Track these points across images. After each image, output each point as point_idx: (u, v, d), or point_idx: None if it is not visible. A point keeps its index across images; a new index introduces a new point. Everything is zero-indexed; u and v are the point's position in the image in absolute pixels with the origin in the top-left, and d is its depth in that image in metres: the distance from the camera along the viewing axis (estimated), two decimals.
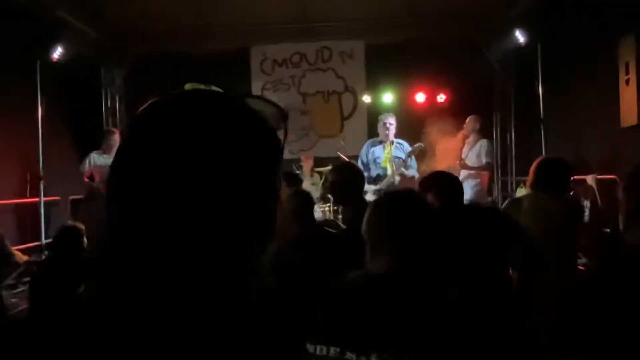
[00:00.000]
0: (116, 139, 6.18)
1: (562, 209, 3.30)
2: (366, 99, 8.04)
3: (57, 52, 5.72)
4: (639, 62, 4.02)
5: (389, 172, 5.73)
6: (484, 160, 6.06)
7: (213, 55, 7.85)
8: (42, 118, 5.80)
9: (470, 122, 6.20)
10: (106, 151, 6.14)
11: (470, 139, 6.20)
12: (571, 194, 5.14)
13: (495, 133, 7.91)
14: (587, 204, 5.25)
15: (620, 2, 4.50)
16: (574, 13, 5.31)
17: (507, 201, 3.52)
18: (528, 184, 3.39)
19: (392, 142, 5.82)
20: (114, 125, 7.70)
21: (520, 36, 6.32)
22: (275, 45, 8.14)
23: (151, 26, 7.36)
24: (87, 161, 6.08)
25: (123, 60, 7.75)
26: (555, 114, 6.00)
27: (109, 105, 7.92)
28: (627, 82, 4.15)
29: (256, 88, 8.17)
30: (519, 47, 6.52)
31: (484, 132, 6.29)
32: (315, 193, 6.75)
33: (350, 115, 8.29)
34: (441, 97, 7.88)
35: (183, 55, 7.84)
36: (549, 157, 3.46)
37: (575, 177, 5.52)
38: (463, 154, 6.17)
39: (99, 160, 6.09)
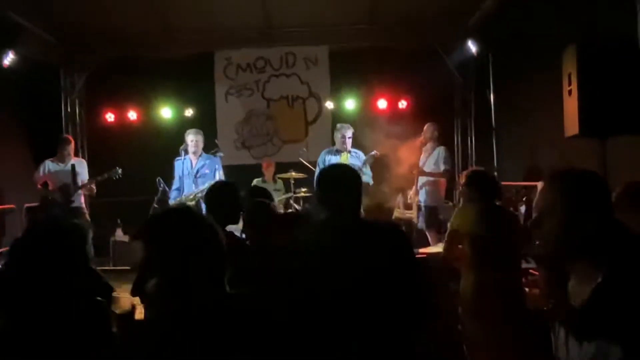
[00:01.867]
0: (71, 148, 6.11)
1: (493, 216, 3.42)
2: (329, 104, 8.09)
3: (8, 58, 5.62)
4: (580, 73, 4.12)
5: None
6: (441, 167, 6.16)
7: (176, 59, 7.80)
8: None
9: (427, 129, 6.30)
10: (61, 159, 6.07)
11: (428, 147, 6.29)
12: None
13: (456, 139, 8.04)
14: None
15: (563, 15, 4.64)
16: (522, 25, 5.44)
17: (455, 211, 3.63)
18: (463, 195, 3.50)
19: (349, 151, 5.93)
20: (74, 132, 7.60)
21: (472, 46, 6.44)
22: (239, 50, 8.13)
23: (113, 31, 7.29)
24: (41, 169, 6.00)
25: (83, 65, 7.65)
26: (508, 122, 6.14)
27: (68, 110, 7.80)
28: (570, 92, 4.25)
29: (220, 93, 8.15)
30: (475, 56, 6.64)
31: (443, 139, 6.38)
32: (278, 199, 6.76)
33: (314, 121, 8.32)
34: (403, 104, 7.97)
35: (145, 59, 7.78)
36: (480, 170, 3.59)
37: (527, 183, 5.67)
38: (421, 162, 6.27)
39: (54, 168, 6.02)
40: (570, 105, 4.28)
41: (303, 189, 6.84)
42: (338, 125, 6.11)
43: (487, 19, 5.95)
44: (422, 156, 6.32)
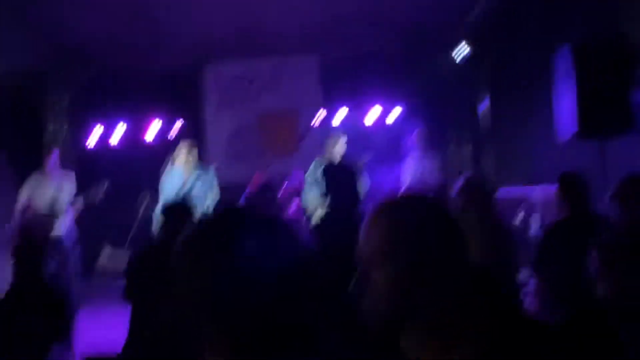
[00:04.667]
0: (55, 161, 5.95)
1: (489, 227, 3.24)
2: (321, 115, 7.97)
3: None
4: (576, 74, 3.99)
5: None
6: (433, 176, 6.01)
7: (164, 73, 7.71)
8: None
9: (416, 137, 6.17)
10: (46, 174, 5.90)
11: (418, 154, 6.15)
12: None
13: (451, 146, 7.90)
14: (536, 217, 5.22)
15: (555, 16, 4.55)
16: (514, 27, 5.36)
17: None
18: (459, 205, 3.32)
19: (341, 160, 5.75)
20: (60, 148, 7.42)
21: (465, 50, 6.34)
22: (229, 62, 8.02)
23: (99, 44, 7.17)
24: (26, 187, 5.84)
25: (69, 79, 7.51)
26: (504, 126, 6.02)
27: (52, 127, 7.62)
28: (564, 94, 4.14)
29: (210, 106, 8.02)
30: (467, 62, 6.55)
31: (435, 145, 6.23)
32: None
33: (306, 133, 8.18)
34: (396, 111, 7.84)
35: (132, 73, 7.68)
36: (475, 176, 3.41)
37: (526, 188, 5.53)
38: (411, 170, 6.12)
39: (38, 183, 5.85)
40: (566, 108, 4.16)
41: (294, 203, 6.68)
42: (329, 135, 5.95)
43: (479, 23, 5.86)
44: (412, 164, 6.17)
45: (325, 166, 3.22)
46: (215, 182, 5.61)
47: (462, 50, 6.47)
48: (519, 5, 5.17)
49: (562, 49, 4.19)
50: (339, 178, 3.04)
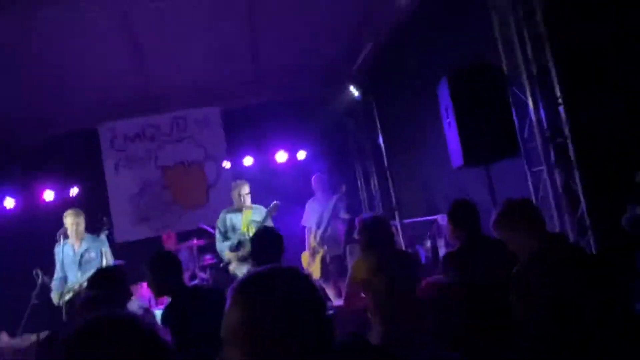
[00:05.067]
0: None
1: (396, 262, 3.28)
2: (227, 164, 7.86)
3: None
4: (455, 105, 4.20)
5: (249, 237, 5.53)
6: (341, 215, 6.06)
7: (59, 139, 7.35)
8: None
9: (315, 181, 6.24)
10: None
11: (319, 197, 6.20)
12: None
13: (359, 183, 8.06)
14: (442, 242, 5.37)
15: (433, 52, 4.81)
16: (400, 66, 5.61)
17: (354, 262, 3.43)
18: (360, 245, 3.34)
19: (250, 208, 5.68)
20: None
21: (355, 92, 6.55)
22: (124, 120, 7.76)
23: None
24: None
25: None
26: (400, 161, 6.22)
27: None
28: (449, 124, 4.32)
29: (109, 167, 7.68)
30: (359, 103, 6.77)
31: (337, 185, 6.31)
32: None
33: (215, 184, 8.02)
34: (302, 154, 7.89)
35: (26, 144, 7.26)
36: (371, 216, 3.45)
37: (428, 218, 5.69)
38: (313, 213, 6.15)
39: None
40: (452, 137, 4.34)
41: (207, 256, 6.49)
42: (233, 184, 5.87)
43: (367, 65, 6.08)
44: (313, 208, 6.20)
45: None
46: (106, 248, 5.29)
47: (352, 93, 6.68)
48: (399, 47, 5.42)
49: (441, 82, 4.39)
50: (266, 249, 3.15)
